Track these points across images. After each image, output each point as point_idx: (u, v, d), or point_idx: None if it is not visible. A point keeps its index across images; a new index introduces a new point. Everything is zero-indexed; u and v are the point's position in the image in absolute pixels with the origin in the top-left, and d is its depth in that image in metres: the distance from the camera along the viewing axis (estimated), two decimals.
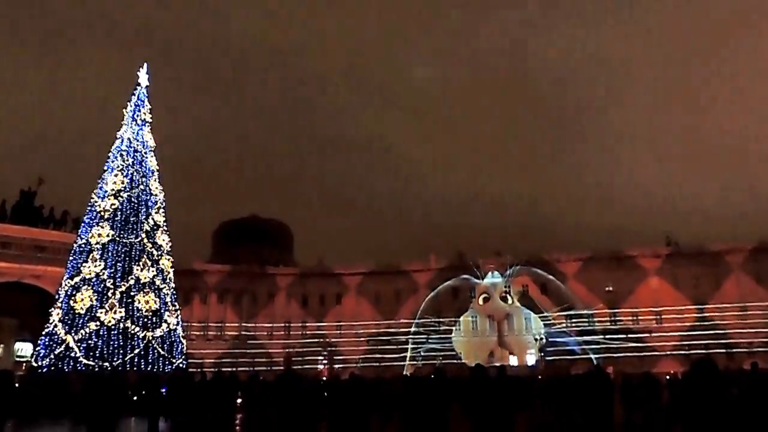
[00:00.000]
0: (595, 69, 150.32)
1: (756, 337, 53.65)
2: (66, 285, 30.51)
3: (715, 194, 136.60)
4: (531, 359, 53.61)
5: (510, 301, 57.96)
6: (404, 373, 46.16)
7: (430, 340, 58.16)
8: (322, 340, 62.25)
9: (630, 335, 55.74)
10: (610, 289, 59.55)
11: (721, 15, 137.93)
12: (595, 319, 57.59)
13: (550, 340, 54.57)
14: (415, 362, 56.67)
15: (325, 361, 60.02)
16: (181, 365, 31.22)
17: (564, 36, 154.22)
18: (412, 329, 59.14)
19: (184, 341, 32.94)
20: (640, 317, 58.32)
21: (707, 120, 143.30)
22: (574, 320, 57.20)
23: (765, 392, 9.04)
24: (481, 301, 58.72)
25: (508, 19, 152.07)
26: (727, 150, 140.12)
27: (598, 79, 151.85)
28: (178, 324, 32.30)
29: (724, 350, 51.29)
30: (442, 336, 58.49)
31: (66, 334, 28.95)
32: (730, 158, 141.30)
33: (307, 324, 64.54)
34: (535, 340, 55.12)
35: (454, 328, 58.58)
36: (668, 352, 54.13)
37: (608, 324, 57.65)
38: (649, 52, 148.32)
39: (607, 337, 54.89)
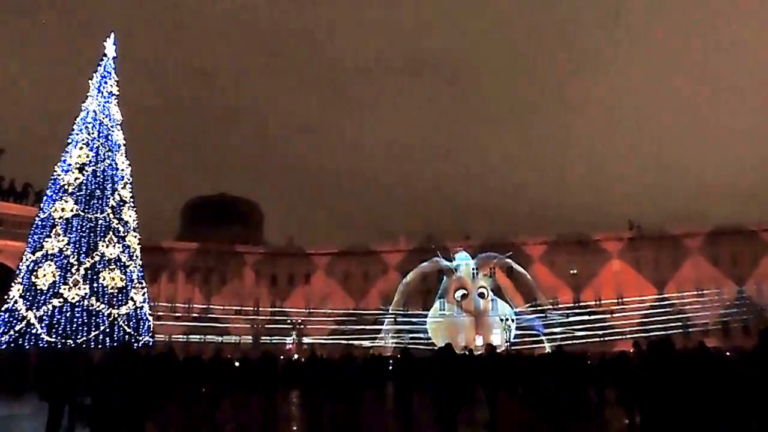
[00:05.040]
0: (558, 51, 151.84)
1: (711, 318, 55.76)
2: (27, 260, 29.82)
3: (677, 177, 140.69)
4: (496, 340, 54.62)
5: (487, 295, 58.07)
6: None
7: (398, 323, 58.53)
8: (290, 319, 62.23)
9: (592, 317, 57.14)
10: (575, 272, 61.00)
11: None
12: (559, 304, 58.88)
13: (516, 323, 55.60)
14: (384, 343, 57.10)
15: (293, 340, 60.10)
16: (147, 343, 30.97)
17: (517, 8, 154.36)
18: (387, 316, 59.10)
19: (150, 319, 32.65)
20: (602, 299, 59.92)
21: (670, 100, 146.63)
22: (538, 308, 58.36)
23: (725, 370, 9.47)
24: (457, 296, 58.73)
25: None
26: (690, 133, 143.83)
27: (558, 60, 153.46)
28: (144, 302, 31.96)
29: (681, 331, 52.95)
30: (412, 320, 58.76)
31: (27, 310, 28.38)
32: (693, 141, 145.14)
33: (276, 303, 64.38)
34: (501, 320, 56.08)
35: (426, 320, 58.61)
36: (627, 336, 55.58)
37: (572, 307, 59.04)
38: (614, 28, 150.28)
39: (570, 320, 56.15)
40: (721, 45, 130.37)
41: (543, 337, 51.61)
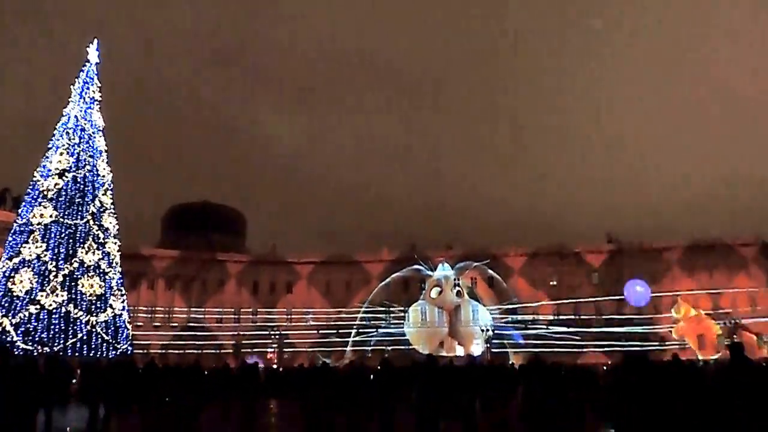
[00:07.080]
0: (538, 63, 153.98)
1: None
2: (4, 266, 29.33)
3: (657, 190, 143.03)
4: (477, 350, 54.81)
5: (461, 294, 58.80)
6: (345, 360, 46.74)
7: (379, 330, 58.55)
8: (271, 329, 61.79)
9: (570, 329, 57.47)
10: (554, 283, 61.55)
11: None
12: (539, 314, 59.39)
13: (495, 332, 55.84)
14: (363, 348, 57.01)
15: (273, 349, 59.66)
16: (125, 351, 30.56)
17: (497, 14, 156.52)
18: (359, 316, 59.32)
19: (129, 327, 32.26)
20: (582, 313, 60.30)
21: (652, 113, 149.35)
22: (518, 315, 58.78)
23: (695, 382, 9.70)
24: (433, 294, 59.36)
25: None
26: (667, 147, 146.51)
27: (542, 72, 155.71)
28: (123, 309, 31.57)
29: (658, 344, 53.35)
30: (392, 325, 58.92)
31: (2, 317, 27.87)
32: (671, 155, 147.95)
33: (257, 312, 63.85)
34: (482, 331, 56.30)
35: (405, 321, 58.94)
36: (607, 349, 55.83)
37: (552, 318, 59.46)
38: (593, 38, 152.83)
39: (549, 330, 56.50)
40: (704, 61, 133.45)
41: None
